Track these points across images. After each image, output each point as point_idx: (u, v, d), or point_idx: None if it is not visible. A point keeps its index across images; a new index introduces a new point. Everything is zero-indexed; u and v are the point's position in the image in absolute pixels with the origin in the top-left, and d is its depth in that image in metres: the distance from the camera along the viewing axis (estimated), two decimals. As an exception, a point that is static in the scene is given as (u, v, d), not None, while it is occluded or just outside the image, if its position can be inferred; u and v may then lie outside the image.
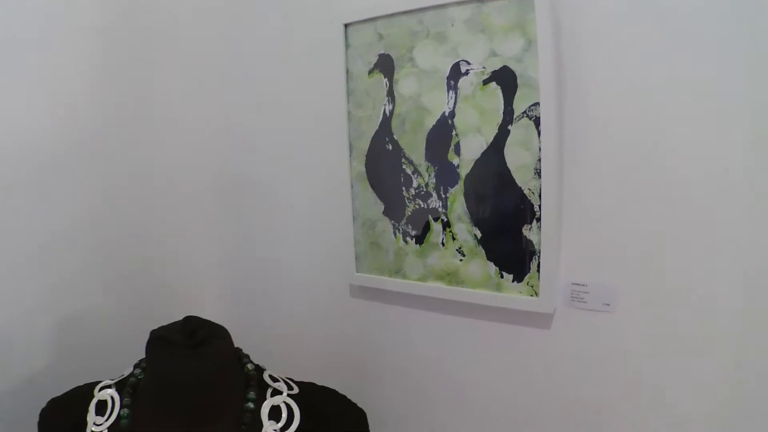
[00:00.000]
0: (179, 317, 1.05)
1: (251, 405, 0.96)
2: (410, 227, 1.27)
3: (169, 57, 1.49)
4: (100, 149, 1.33)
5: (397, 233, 1.30)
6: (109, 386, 1.02)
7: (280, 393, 0.98)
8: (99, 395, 1.01)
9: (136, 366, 1.05)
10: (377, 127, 1.29)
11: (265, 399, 0.98)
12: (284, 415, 0.95)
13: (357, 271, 1.38)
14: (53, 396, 1.05)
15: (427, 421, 1.38)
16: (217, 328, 1.00)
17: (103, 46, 1.32)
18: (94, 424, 0.96)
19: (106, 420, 0.97)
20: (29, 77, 1.18)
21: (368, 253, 1.36)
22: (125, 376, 1.05)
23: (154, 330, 0.98)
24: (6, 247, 1.17)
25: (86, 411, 0.99)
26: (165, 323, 1.05)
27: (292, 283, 1.56)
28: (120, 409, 0.98)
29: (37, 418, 1.03)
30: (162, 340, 0.96)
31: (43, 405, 1.04)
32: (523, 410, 1.24)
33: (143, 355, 1.03)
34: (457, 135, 1.18)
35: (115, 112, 1.35)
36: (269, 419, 0.95)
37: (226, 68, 1.58)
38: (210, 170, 1.61)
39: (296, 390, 1.00)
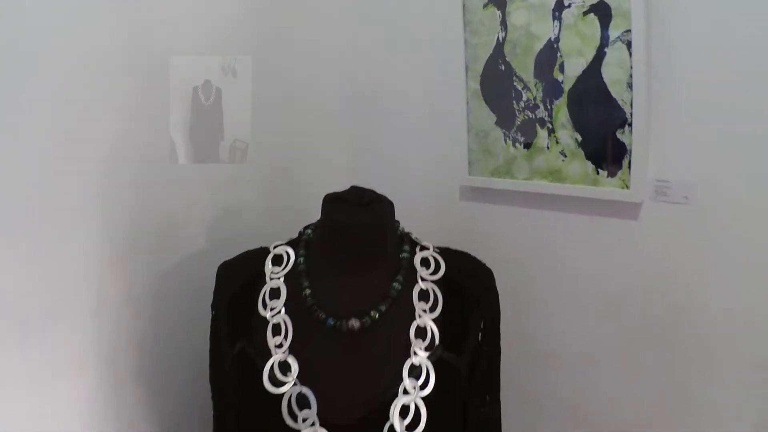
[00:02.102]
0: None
1: (406, 255, 1.13)
2: (519, 134, 1.51)
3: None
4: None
5: (508, 140, 1.53)
6: (281, 245, 1.16)
7: (428, 248, 1.18)
8: (274, 251, 1.15)
9: (305, 228, 1.20)
10: (491, 52, 1.51)
11: (415, 253, 1.15)
12: (432, 264, 1.13)
13: (469, 175, 1.62)
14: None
15: (531, 308, 1.57)
16: (380, 195, 1.15)
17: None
18: (272, 272, 1.11)
19: (282, 270, 1.11)
20: (191, 17, 1.36)
21: (480, 159, 1.59)
22: (295, 238, 1.19)
23: (328, 194, 1.13)
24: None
25: (263, 265, 1.12)
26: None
27: (410, 186, 1.74)
28: (296, 258, 1.13)
29: (203, 287, 1.17)
30: (337, 198, 1.12)
31: (207, 276, 1.16)
32: (615, 292, 1.42)
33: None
34: (561, 56, 1.40)
35: (263, 40, 1.56)
36: (421, 266, 1.13)
37: (355, 6, 1.80)
38: (338, 88, 1.83)
39: (438, 250, 1.19)
